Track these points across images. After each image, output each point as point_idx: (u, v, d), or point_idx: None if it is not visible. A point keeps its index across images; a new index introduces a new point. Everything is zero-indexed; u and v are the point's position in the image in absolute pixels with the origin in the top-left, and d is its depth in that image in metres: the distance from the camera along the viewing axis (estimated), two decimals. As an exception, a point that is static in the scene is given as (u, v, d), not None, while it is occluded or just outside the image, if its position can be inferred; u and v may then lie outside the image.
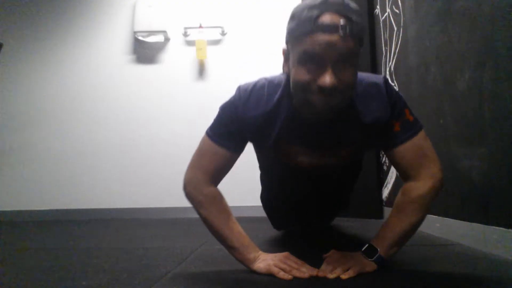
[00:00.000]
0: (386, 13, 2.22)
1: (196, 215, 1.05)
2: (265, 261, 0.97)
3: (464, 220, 1.39)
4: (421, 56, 1.74)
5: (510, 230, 1.13)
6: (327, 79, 0.81)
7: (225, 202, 1.05)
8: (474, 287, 0.86)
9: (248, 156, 1.19)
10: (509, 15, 1.12)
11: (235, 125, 0.99)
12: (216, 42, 3.03)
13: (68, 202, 2.91)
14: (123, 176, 2.94)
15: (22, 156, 2.97)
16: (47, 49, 3.05)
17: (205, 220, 1.03)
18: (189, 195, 1.04)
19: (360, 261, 0.95)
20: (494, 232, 1.20)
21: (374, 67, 2.41)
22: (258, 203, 1.50)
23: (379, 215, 2.29)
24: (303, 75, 0.84)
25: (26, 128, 2.99)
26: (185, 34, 3.03)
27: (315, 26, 0.80)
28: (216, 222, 1.01)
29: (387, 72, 2.22)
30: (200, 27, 2.97)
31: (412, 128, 0.98)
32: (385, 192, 2.25)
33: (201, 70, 3.02)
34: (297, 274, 0.92)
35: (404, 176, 1.01)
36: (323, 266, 0.95)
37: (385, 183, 2.25)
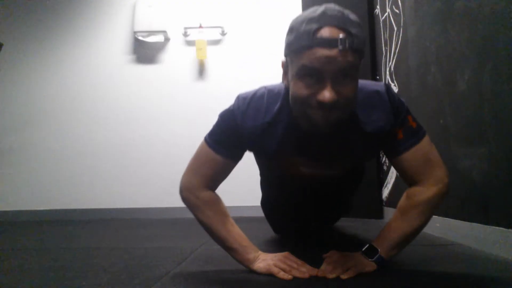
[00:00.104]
0: (386, 13, 2.22)
1: (196, 216, 1.05)
2: (265, 261, 0.97)
3: (464, 220, 1.39)
4: (421, 56, 1.74)
5: (510, 230, 1.13)
6: (327, 94, 0.79)
7: (223, 205, 1.04)
8: (474, 287, 0.86)
9: (248, 156, 1.18)
10: (509, 15, 1.12)
11: (233, 134, 0.98)
12: (216, 42, 3.03)
13: (68, 202, 2.91)
14: (123, 176, 2.94)
15: (22, 156, 2.97)
16: (47, 49, 3.05)
17: (202, 223, 1.03)
18: (185, 200, 1.04)
19: (360, 261, 0.95)
20: (494, 232, 1.20)
21: (374, 67, 2.42)
22: (258, 203, 1.50)
23: (379, 215, 2.29)
24: (302, 90, 0.83)
25: (26, 128, 2.99)
26: (185, 34, 3.03)
27: (313, 40, 0.79)
28: (213, 225, 1.01)
29: (387, 72, 2.22)
30: (200, 27, 2.97)
31: (416, 135, 0.96)
32: (385, 192, 2.25)
33: (201, 70, 3.02)
34: (297, 274, 0.92)
35: (409, 182, 1.00)
36: (323, 266, 0.95)
37: (385, 183, 2.25)
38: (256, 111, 0.96)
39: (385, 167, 2.28)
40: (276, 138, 0.97)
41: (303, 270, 0.94)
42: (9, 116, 3.01)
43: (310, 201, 1.29)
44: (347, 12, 0.83)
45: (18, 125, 3.00)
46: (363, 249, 0.98)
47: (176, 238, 1.71)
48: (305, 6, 2.64)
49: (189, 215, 1.06)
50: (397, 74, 2.08)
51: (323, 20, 0.79)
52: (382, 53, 2.30)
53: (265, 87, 1.00)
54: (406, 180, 1.01)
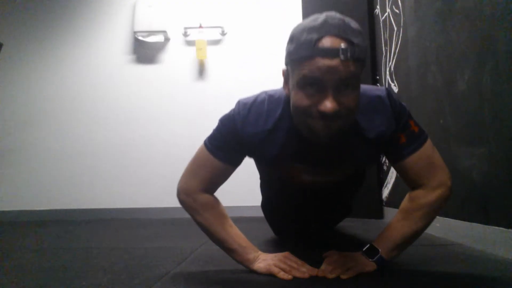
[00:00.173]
0: (386, 13, 2.22)
1: (196, 216, 1.05)
2: (265, 261, 0.97)
3: (464, 220, 1.39)
4: (421, 56, 1.74)
5: (510, 230, 1.13)
6: (328, 104, 0.78)
7: (221, 207, 1.04)
8: (474, 287, 0.86)
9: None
10: (509, 15, 1.12)
11: (233, 140, 0.97)
12: (216, 42, 3.03)
13: (68, 202, 2.91)
14: (123, 176, 2.94)
15: (22, 156, 2.97)
16: (47, 49, 3.05)
17: (201, 226, 1.03)
18: (182, 202, 1.04)
19: (360, 261, 0.95)
20: (494, 232, 1.20)
21: (374, 67, 2.42)
22: (258, 203, 1.50)
23: (379, 215, 2.29)
24: (303, 100, 0.82)
25: (26, 128, 2.99)
26: (185, 34, 3.03)
27: (314, 50, 0.77)
28: (212, 226, 1.01)
29: (387, 72, 2.22)
30: (200, 27, 2.97)
31: (418, 139, 0.96)
32: (385, 192, 2.25)
33: (201, 70, 3.02)
34: (297, 274, 0.92)
35: (412, 186, 0.99)
36: (323, 266, 0.95)
37: (385, 183, 2.25)
38: (257, 117, 0.95)
39: (385, 167, 2.28)
40: (276, 145, 0.96)
41: (303, 270, 0.94)
42: (9, 116, 3.01)
43: (310, 204, 1.29)
44: (348, 20, 0.81)
45: (18, 125, 3.00)
46: (364, 249, 0.98)
47: (176, 238, 1.71)
48: (305, 6, 2.64)
49: (189, 215, 1.06)
50: (397, 74, 2.08)
51: (324, 29, 0.78)
52: (382, 53, 2.30)
53: (265, 92, 0.99)
54: (409, 183, 1.00)
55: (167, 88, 3.01)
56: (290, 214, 1.36)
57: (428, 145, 0.97)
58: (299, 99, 0.82)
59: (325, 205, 1.31)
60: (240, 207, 2.65)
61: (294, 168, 1.02)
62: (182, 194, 1.03)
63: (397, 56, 2.07)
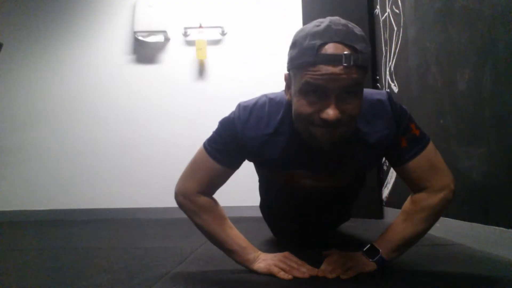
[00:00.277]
0: (386, 13, 2.22)
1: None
2: (265, 261, 0.97)
3: (464, 220, 1.39)
4: (421, 56, 1.74)
5: (510, 230, 1.13)
6: (330, 112, 0.77)
7: (220, 209, 1.03)
8: (474, 287, 0.86)
9: (248, 156, 1.18)
10: (509, 15, 1.12)
11: (233, 144, 0.96)
12: (216, 42, 3.03)
13: (68, 202, 2.91)
14: (123, 176, 2.94)
15: (22, 156, 2.97)
16: (47, 49, 3.05)
17: (200, 227, 1.02)
18: (181, 204, 1.03)
19: (360, 261, 0.95)
20: (494, 232, 1.20)
21: (374, 67, 2.42)
22: (258, 203, 1.49)
23: (379, 215, 2.29)
24: (305, 107, 0.81)
25: (26, 128, 2.99)
26: (185, 34, 3.03)
27: (317, 57, 0.76)
28: (211, 228, 1.00)
29: (387, 72, 2.22)
30: (200, 27, 2.97)
31: (420, 143, 0.95)
32: (385, 192, 2.25)
33: (201, 70, 3.02)
34: (297, 274, 0.92)
35: (414, 189, 0.99)
36: (323, 266, 0.95)
37: (385, 183, 2.25)
38: (257, 121, 0.94)
39: (385, 167, 2.28)
40: (277, 149, 0.95)
41: (303, 270, 0.94)
42: (9, 116, 3.01)
43: (309, 208, 1.28)
44: (352, 25, 0.80)
45: (18, 125, 3.00)
46: (365, 249, 0.98)
47: (176, 238, 1.71)
48: (305, 6, 2.64)
49: (188, 217, 1.06)
50: (397, 74, 2.08)
51: (327, 35, 0.77)
52: (382, 53, 2.30)
53: (266, 96, 0.98)
54: (411, 187, 0.99)
55: (167, 88, 3.01)
56: (288, 217, 1.36)
57: (430, 148, 0.96)
58: (301, 106, 0.81)
59: (323, 210, 1.30)
60: (239, 207, 2.65)
61: (293, 173, 1.02)
62: (180, 196, 1.02)
63: (397, 56, 2.07)
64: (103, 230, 2.09)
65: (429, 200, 0.95)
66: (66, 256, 1.32)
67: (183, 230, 1.96)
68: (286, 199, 1.25)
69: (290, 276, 0.92)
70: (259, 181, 1.39)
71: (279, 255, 0.99)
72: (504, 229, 1.15)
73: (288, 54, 0.85)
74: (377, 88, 2.38)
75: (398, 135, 0.94)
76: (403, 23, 1.97)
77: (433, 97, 1.63)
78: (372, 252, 0.96)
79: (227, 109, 1.03)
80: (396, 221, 0.99)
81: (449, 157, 1.44)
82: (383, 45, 2.29)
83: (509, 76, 1.12)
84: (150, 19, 2.92)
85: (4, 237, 1.93)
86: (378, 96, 0.94)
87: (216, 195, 1.05)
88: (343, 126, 0.81)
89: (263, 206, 1.45)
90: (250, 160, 1.04)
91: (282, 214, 1.35)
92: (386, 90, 1.01)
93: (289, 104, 0.91)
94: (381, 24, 2.32)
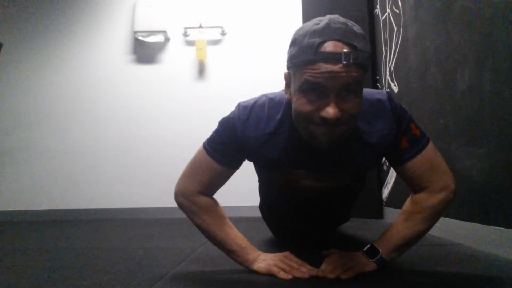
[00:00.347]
0: (386, 13, 2.22)
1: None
2: (265, 261, 0.97)
3: (464, 220, 1.39)
4: (421, 56, 1.74)
5: (510, 230, 1.13)
6: (330, 110, 0.77)
7: (220, 209, 1.03)
8: (474, 287, 0.86)
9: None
10: (509, 15, 1.12)
11: (233, 143, 0.96)
12: (216, 42, 3.04)
13: (68, 202, 2.91)
14: (123, 176, 2.94)
15: (22, 156, 2.97)
16: (47, 49, 3.05)
17: (200, 228, 1.02)
18: (180, 205, 1.03)
19: (360, 261, 0.95)
20: (494, 232, 1.20)
21: (374, 67, 2.42)
22: (258, 203, 1.49)
23: (379, 215, 2.29)
24: (305, 106, 0.80)
25: (26, 128, 3.00)
26: (185, 34, 3.03)
27: (317, 55, 0.76)
28: (211, 228, 1.00)
29: (387, 72, 2.22)
30: (200, 27, 2.97)
31: (420, 142, 0.94)
32: (385, 192, 2.25)
33: (201, 70, 3.02)
34: (297, 274, 0.92)
35: (415, 189, 0.98)
36: (323, 266, 0.95)
37: (385, 183, 2.25)
38: (257, 121, 0.94)
39: (385, 167, 2.28)
40: (276, 149, 0.95)
41: (303, 270, 0.94)
42: (9, 116, 3.01)
43: (310, 208, 1.28)
44: (351, 24, 0.80)
45: (18, 125, 3.00)
46: (365, 249, 0.98)
47: (176, 238, 1.71)
48: (305, 6, 2.64)
49: (188, 217, 1.06)
50: (397, 74, 2.08)
51: (326, 33, 0.76)
52: (382, 53, 2.30)
53: (265, 95, 0.98)
54: (412, 187, 0.99)
55: (167, 88, 3.01)
56: (288, 217, 1.35)
57: (430, 148, 0.95)
58: (301, 104, 0.81)
59: (323, 211, 1.30)
60: (239, 207, 2.65)
61: (293, 173, 1.02)
62: (180, 196, 1.02)
63: (397, 56, 2.07)
64: (103, 230, 2.09)
65: (429, 200, 0.95)
66: (66, 256, 1.32)
67: (183, 230, 1.96)
68: (286, 200, 1.25)
69: (290, 276, 0.92)
70: (259, 181, 1.39)
71: (279, 255, 0.99)
72: (504, 229, 1.15)
73: (288, 53, 0.85)
74: (377, 88, 2.38)
75: (398, 135, 0.94)
76: (403, 23, 1.97)
77: (433, 97, 1.63)
78: (372, 252, 0.96)
79: (227, 109, 1.03)
80: (396, 221, 0.99)
81: (449, 157, 1.44)
82: (383, 45, 2.29)
83: (509, 76, 1.12)
84: (150, 19, 2.93)
85: (4, 237, 1.93)
86: (378, 96, 0.94)
87: (216, 195, 1.05)
88: (343, 125, 0.81)
89: (263, 206, 1.44)
90: (250, 160, 1.03)
91: (282, 214, 1.35)
92: (386, 90, 1.01)
93: (289, 104, 0.91)
94: (381, 24, 2.32)
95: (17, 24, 3.06)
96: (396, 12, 2.06)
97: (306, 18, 2.60)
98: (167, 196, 2.73)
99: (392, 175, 2.15)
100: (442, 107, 1.54)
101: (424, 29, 1.71)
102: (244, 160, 1.02)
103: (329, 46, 0.76)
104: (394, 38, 2.10)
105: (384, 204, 2.28)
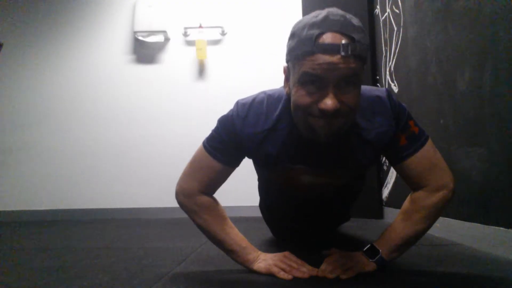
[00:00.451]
0: (386, 13, 2.22)
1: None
2: (265, 261, 0.97)
3: (464, 220, 1.39)
4: (421, 56, 1.74)
5: (510, 230, 1.13)
6: (329, 102, 0.77)
7: (220, 208, 1.03)
8: (474, 287, 0.86)
9: (248, 156, 1.18)
10: (509, 15, 1.12)
11: (232, 141, 0.96)
12: (216, 42, 3.03)
13: (68, 202, 2.91)
14: (123, 176, 2.94)
15: (22, 156, 2.97)
16: (47, 49, 3.05)
17: (200, 227, 1.02)
18: (181, 204, 1.03)
19: (360, 261, 0.95)
20: (494, 232, 1.20)
21: (374, 67, 2.42)
22: (258, 203, 1.49)
23: (379, 215, 2.29)
24: (303, 98, 0.80)
25: (26, 128, 2.99)
26: (185, 34, 3.03)
27: (315, 46, 0.76)
28: (211, 228, 1.00)
29: (387, 72, 2.22)
30: (200, 27, 2.97)
31: (419, 140, 0.95)
32: (385, 192, 2.25)
33: (201, 70, 3.02)
34: (297, 274, 0.93)
35: (413, 187, 0.98)
36: (323, 266, 0.95)
37: (385, 183, 2.25)
38: (256, 118, 0.94)
39: (385, 167, 2.28)
40: (275, 145, 0.95)
41: (303, 270, 0.94)
42: (9, 116, 3.01)
43: (310, 207, 1.28)
44: (349, 16, 0.80)
45: (18, 125, 3.00)
46: (365, 249, 0.98)
47: (176, 238, 1.71)
48: (305, 6, 2.64)
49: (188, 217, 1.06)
50: (397, 74, 2.08)
51: (325, 25, 0.77)
52: (382, 53, 2.30)
53: (264, 92, 0.98)
54: (410, 185, 0.99)
55: (167, 88, 3.01)
56: (288, 217, 1.35)
57: (429, 146, 0.96)
58: (299, 96, 0.81)
59: (323, 210, 1.30)
60: (240, 207, 2.65)
61: (292, 169, 1.02)
62: (181, 195, 1.02)
63: (397, 56, 2.07)
64: (103, 230, 2.09)
65: (428, 198, 0.95)
66: (66, 256, 1.32)
67: (183, 230, 1.96)
68: (285, 199, 1.25)
69: (290, 276, 0.92)
70: (259, 180, 1.39)
71: (279, 255, 0.99)
72: (504, 229, 1.16)
73: (287, 46, 0.85)
74: (377, 88, 2.38)
75: (397, 132, 0.94)
76: (403, 23, 1.97)
77: (433, 97, 1.63)
78: (372, 252, 0.96)
79: (227, 108, 1.03)
80: (396, 220, 0.99)
81: (449, 157, 1.44)
82: (383, 45, 2.29)
83: (509, 76, 1.12)
84: (150, 19, 2.93)
85: (4, 237, 1.93)
86: (377, 93, 0.94)
87: (216, 195, 1.05)
88: (342, 117, 0.81)
89: (262, 206, 1.45)
90: (249, 157, 1.04)
91: (282, 214, 1.35)
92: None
93: (287, 100, 0.91)
94: (381, 24, 2.32)
95: (17, 24, 3.06)
96: (396, 12, 2.06)
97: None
98: (167, 196, 2.74)
99: (392, 175, 2.15)
100: (442, 107, 1.54)
101: (424, 29, 1.71)
102: (244, 157, 1.03)
103: (328, 38, 0.76)
104: (394, 38, 2.10)
105: (384, 204, 2.28)
